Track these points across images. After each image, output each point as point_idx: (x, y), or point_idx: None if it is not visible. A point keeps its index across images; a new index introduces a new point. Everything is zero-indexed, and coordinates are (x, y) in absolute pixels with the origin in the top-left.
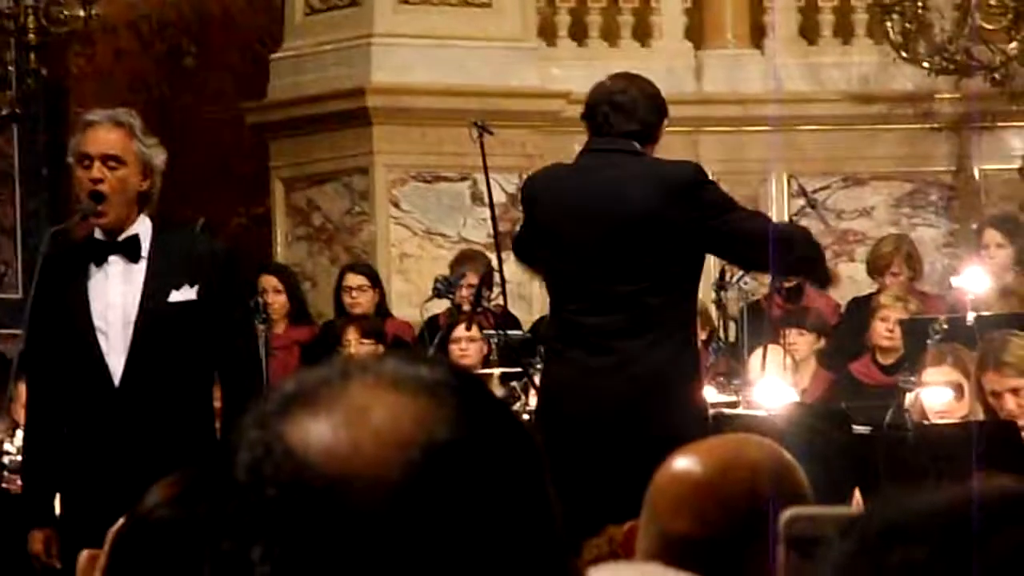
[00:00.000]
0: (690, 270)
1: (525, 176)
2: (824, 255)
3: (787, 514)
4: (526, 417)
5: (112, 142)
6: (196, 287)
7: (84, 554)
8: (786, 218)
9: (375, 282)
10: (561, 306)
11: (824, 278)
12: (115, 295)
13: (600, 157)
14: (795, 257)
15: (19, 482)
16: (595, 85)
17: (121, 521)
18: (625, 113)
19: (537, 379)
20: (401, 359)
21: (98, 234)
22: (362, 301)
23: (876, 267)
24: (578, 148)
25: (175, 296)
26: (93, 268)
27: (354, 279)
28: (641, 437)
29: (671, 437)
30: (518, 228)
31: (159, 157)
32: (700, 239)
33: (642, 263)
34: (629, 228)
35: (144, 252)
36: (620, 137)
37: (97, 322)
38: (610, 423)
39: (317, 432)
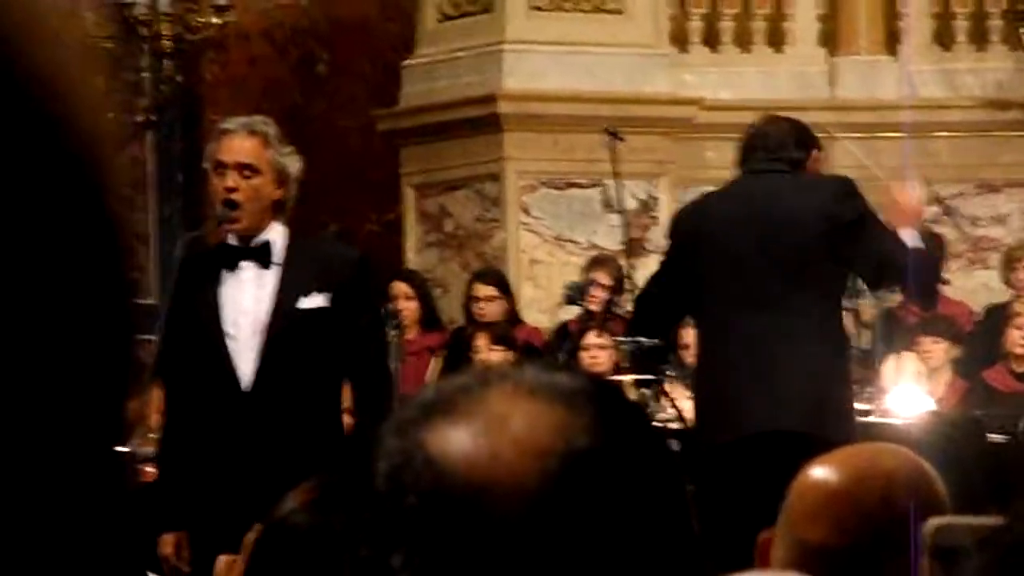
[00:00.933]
0: (842, 276)
1: (653, 183)
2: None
3: (931, 523)
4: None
5: (247, 151)
6: (327, 294)
7: (221, 560)
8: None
9: (504, 290)
10: (709, 309)
11: (932, 303)
12: (247, 301)
13: (751, 178)
14: (923, 284)
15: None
16: (747, 129)
17: (257, 527)
18: (774, 150)
19: (667, 386)
20: (539, 367)
21: (231, 240)
22: (490, 310)
23: (1008, 263)
24: (710, 155)
25: (305, 303)
26: (225, 273)
27: (482, 289)
28: (798, 442)
29: (827, 442)
30: (643, 294)
31: (294, 165)
32: (843, 248)
33: (800, 269)
34: (785, 234)
35: (276, 258)
36: (768, 162)
37: (227, 327)
38: (771, 429)
39: (456, 440)
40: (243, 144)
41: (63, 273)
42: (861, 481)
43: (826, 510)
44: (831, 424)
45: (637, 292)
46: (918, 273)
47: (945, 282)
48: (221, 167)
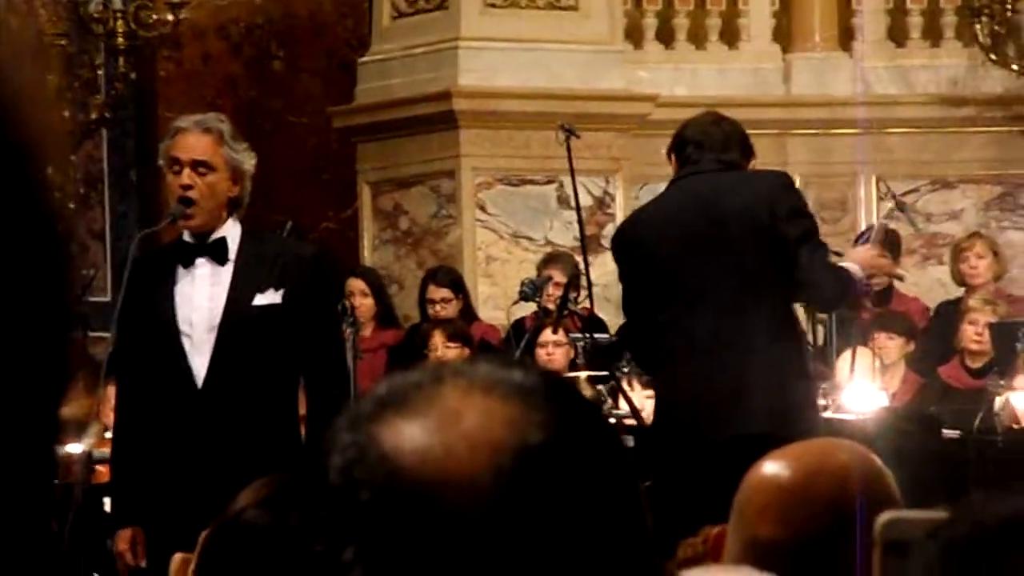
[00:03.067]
0: (785, 273)
1: (609, 179)
2: (848, 289)
3: (884, 517)
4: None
5: (201, 148)
6: (281, 291)
7: (177, 557)
8: (875, 221)
9: (458, 290)
10: (673, 312)
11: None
12: (201, 298)
13: (687, 180)
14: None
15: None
16: (683, 124)
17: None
18: (715, 150)
19: (624, 383)
20: (493, 363)
21: (186, 236)
22: (445, 312)
23: (955, 255)
24: (664, 151)
25: (260, 299)
26: (181, 270)
27: (437, 292)
28: (758, 439)
29: (787, 438)
30: (626, 320)
31: (249, 162)
32: (774, 245)
33: (744, 267)
34: (736, 229)
35: (231, 255)
36: (701, 162)
37: (182, 324)
38: (725, 425)
39: (410, 436)
40: (197, 141)
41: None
42: (812, 476)
43: (777, 505)
44: (794, 424)
45: (621, 326)
46: (840, 300)
47: (900, 278)
48: (176, 164)
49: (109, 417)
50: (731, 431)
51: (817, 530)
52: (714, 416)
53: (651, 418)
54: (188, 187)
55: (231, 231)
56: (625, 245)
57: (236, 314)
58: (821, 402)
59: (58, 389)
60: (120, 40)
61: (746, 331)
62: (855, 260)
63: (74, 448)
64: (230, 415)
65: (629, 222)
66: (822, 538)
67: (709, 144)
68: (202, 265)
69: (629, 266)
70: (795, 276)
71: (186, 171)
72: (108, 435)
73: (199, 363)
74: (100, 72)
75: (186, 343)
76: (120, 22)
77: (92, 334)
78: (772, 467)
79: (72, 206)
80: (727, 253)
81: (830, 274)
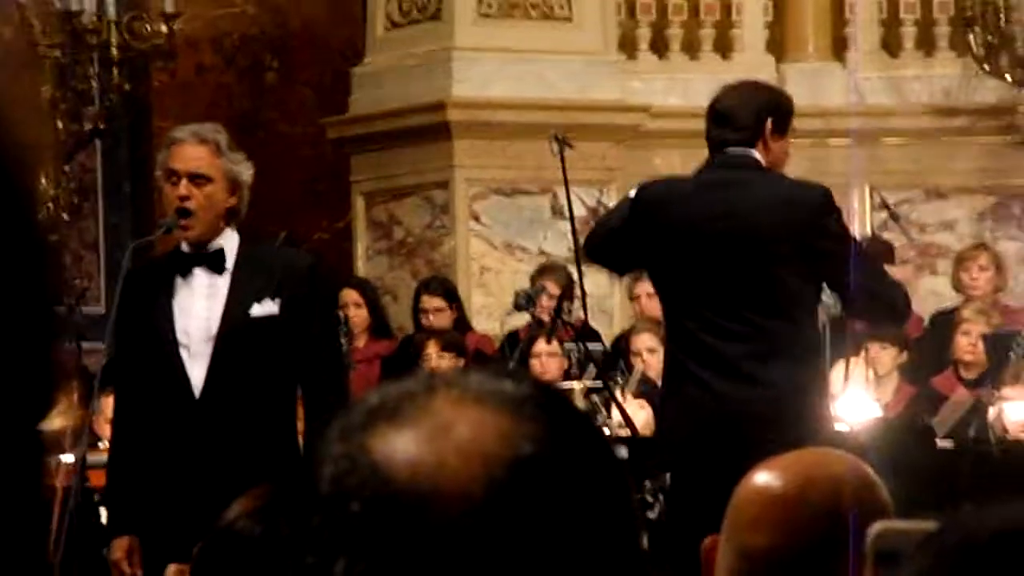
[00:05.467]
0: (814, 294)
1: (603, 189)
2: (901, 311)
3: (875, 528)
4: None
5: (198, 160)
6: (278, 301)
7: (171, 569)
8: (868, 231)
9: (452, 299)
10: (682, 322)
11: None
12: (198, 308)
13: (723, 173)
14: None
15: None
16: (720, 93)
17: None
18: (727, 123)
19: (618, 393)
20: (486, 374)
21: (184, 247)
22: (439, 321)
23: (958, 264)
24: (659, 162)
25: (257, 310)
26: (178, 281)
27: (430, 301)
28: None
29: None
30: (605, 223)
31: (246, 172)
32: (819, 266)
33: (770, 286)
34: (756, 251)
35: (229, 265)
36: (734, 146)
37: (179, 335)
38: (739, 443)
39: (401, 446)
40: (194, 152)
41: None
42: (804, 486)
43: (769, 515)
44: (806, 439)
45: (601, 218)
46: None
47: None
48: (173, 176)
49: (104, 429)
50: (746, 457)
51: (809, 540)
52: (731, 437)
53: (645, 429)
54: (186, 198)
55: (228, 241)
56: (649, 219)
57: (234, 324)
58: None
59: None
60: (114, 51)
61: (765, 348)
62: None
63: (67, 458)
64: (227, 425)
65: (657, 196)
66: (814, 548)
67: (737, 122)
68: (199, 275)
69: (641, 236)
70: (860, 295)
71: (183, 182)
72: (102, 445)
73: (196, 373)
74: (94, 83)
75: (183, 353)
76: (114, 33)
77: (86, 345)
78: (764, 477)
79: (65, 217)
80: (759, 271)
81: (897, 288)
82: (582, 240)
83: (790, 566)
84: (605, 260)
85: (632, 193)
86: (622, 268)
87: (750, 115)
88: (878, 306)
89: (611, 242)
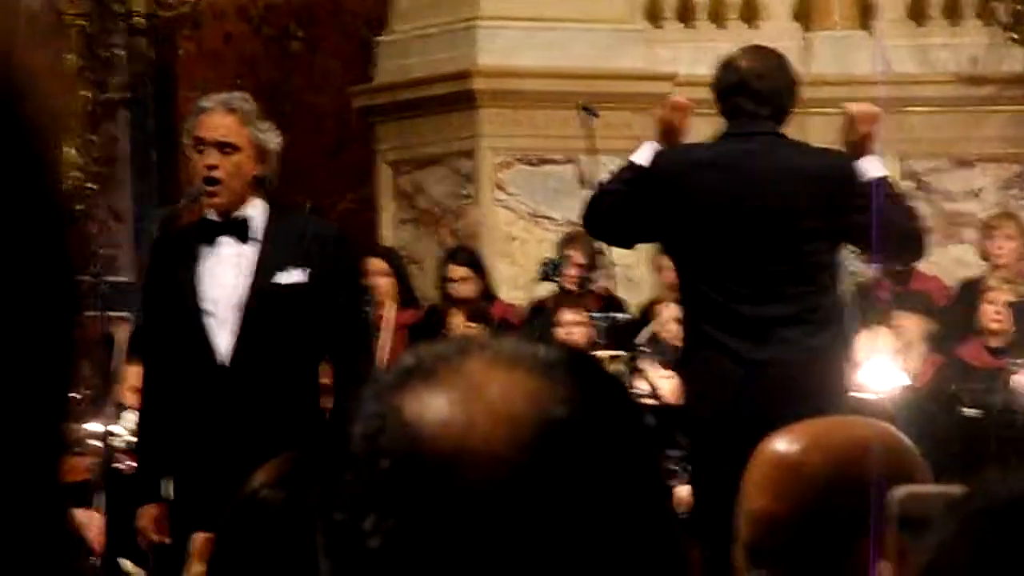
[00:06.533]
0: (835, 261)
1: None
2: (919, 232)
3: (898, 493)
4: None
5: (226, 128)
6: (306, 270)
7: (199, 536)
8: None
9: (477, 269)
10: (705, 291)
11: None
12: (225, 276)
13: (745, 142)
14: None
15: (128, 463)
16: (726, 65)
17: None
18: (764, 101)
19: (644, 363)
20: (518, 338)
21: (211, 215)
22: (464, 290)
23: (985, 232)
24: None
25: (284, 278)
26: (205, 249)
27: (456, 270)
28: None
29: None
30: (607, 194)
31: (274, 141)
32: (844, 233)
33: (792, 253)
34: (783, 221)
35: (255, 234)
36: (760, 120)
37: (206, 303)
38: (764, 411)
39: (433, 406)
40: (221, 121)
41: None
42: (807, 451)
43: (772, 479)
44: (827, 408)
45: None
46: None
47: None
48: (201, 144)
49: (130, 398)
50: (763, 413)
51: (809, 506)
52: (761, 403)
53: (670, 397)
54: (213, 167)
55: (256, 211)
56: (669, 188)
57: (261, 293)
58: None
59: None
60: (140, 20)
61: (787, 318)
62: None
63: (93, 427)
64: (254, 393)
65: (677, 164)
66: (815, 514)
67: (767, 95)
68: (226, 244)
69: (658, 206)
70: (887, 237)
71: (210, 151)
72: (127, 415)
73: (224, 341)
74: (120, 52)
75: (210, 322)
76: (140, 2)
77: (113, 314)
78: (776, 441)
79: (92, 186)
80: (773, 239)
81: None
82: None
83: (791, 530)
84: (608, 233)
85: (637, 159)
86: (629, 240)
87: (782, 91)
88: (907, 245)
89: (617, 212)
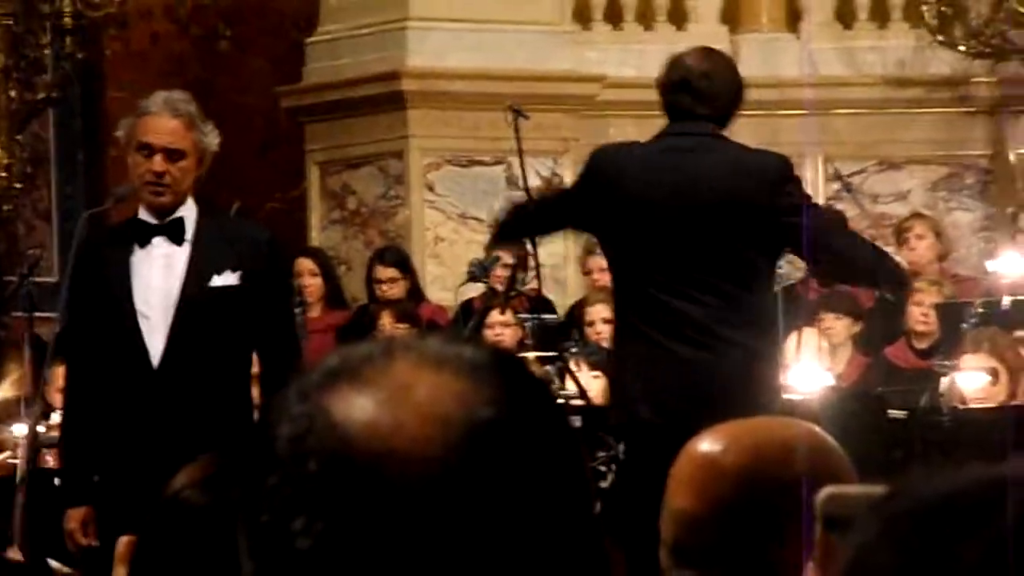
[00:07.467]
0: (771, 263)
1: (557, 160)
2: (887, 269)
3: (824, 493)
4: (561, 401)
5: (175, 135)
6: (238, 272)
7: (123, 540)
8: (822, 201)
9: (405, 270)
10: (640, 289)
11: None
12: (158, 278)
13: (681, 140)
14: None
15: (50, 460)
16: (673, 63)
17: None
18: (706, 101)
19: (572, 364)
20: (444, 339)
21: (144, 215)
22: (393, 292)
23: (898, 235)
24: (613, 132)
25: (217, 281)
26: (137, 250)
27: (384, 271)
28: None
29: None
30: (528, 204)
31: (214, 143)
32: (779, 234)
33: (728, 253)
34: (715, 219)
35: (188, 236)
36: (700, 120)
37: (139, 305)
38: (694, 411)
39: (361, 407)
40: (168, 125)
41: None
42: (725, 450)
43: (692, 477)
44: (765, 406)
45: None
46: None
47: None
48: (146, 149)
49: (55, 398)
50: (691, 413)
51: (728, 504)
52: (674, 397)
53: (599, 398)
54: (161, 173)
55: (188, 212)
56: (601, 184)
57: (194, 295)
58: None
59: None
60: (67, 19)
61: (719, 319)
62: None
63: (19, 429)
64: (185, 395)
65: (614, 161)
66: (734, 512)
67: (708, 95)
68: (158, 245)
69: (592, 200)
70: (846, 262)
71: (158, 158)
72: (55, 416)
73: (155, 343)
74: (47, 51)
75: (143, 323)
76: (67, 1)
77: (39, 315)
78: (700, 441)
79: (18, 186)
80: (707, 238)
81: (887, 256)
82: None
83: (710, 528)
84: (520, 232)
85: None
86: (543, 230)
87: (725, 93)
88: (851, 269)
89: (543, 213)
